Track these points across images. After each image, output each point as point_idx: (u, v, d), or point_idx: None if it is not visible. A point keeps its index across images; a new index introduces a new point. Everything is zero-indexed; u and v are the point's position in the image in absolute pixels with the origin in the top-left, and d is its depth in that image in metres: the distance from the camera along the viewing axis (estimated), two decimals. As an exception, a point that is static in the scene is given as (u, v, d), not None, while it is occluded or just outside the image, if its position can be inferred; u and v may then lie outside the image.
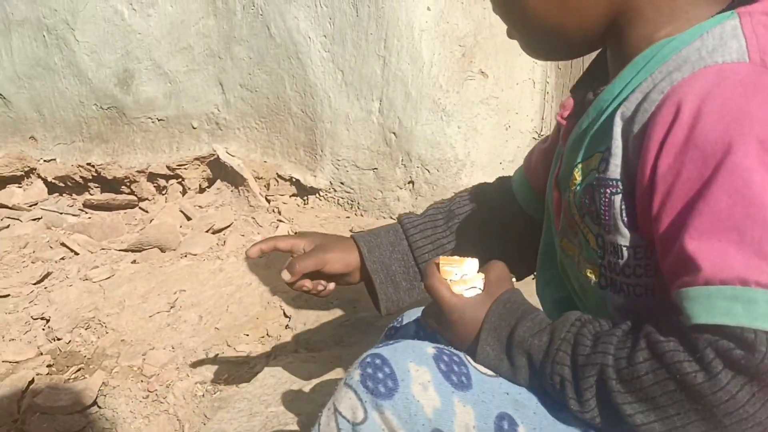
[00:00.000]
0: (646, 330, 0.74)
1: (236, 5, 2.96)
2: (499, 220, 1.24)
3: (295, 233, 1.76)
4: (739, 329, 0.67)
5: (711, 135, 0.70)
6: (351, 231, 2.75)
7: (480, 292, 0.89)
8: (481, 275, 0.90)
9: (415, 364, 0.82)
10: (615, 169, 0.80)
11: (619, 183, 0.80)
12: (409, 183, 2.79)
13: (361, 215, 2.89)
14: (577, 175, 0.87)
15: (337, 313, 2.19)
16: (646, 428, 0.72)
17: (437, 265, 0.91)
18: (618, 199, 0.80)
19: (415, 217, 1.28)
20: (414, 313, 1.18)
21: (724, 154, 0.69)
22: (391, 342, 0.86)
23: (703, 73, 0.74)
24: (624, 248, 0.81)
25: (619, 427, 0.74)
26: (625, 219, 0.80)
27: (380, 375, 0.80)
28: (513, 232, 1.22)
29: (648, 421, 0.72)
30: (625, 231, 0.80)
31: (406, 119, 2.73)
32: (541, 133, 2.85)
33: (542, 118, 2.81)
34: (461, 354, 0.87)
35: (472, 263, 0.90)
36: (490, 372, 0.86)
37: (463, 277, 0.89)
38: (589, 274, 0.87)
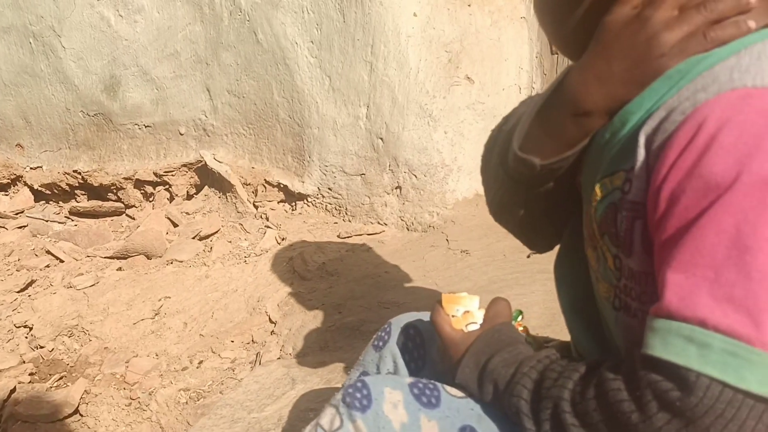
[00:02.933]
0: (603, 367, 0.74)
1: (223, 11, 2.95)
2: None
3: None
4: (684, 370, 0.65)
5: (718, 167, 0.66)
6: (338, 236, 2.74)
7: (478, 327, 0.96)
8: (482, 311, 0.97)
9: (390, 388, 0.89)
10: (638, 192, 0.76)
11: (642, 207, 0.76)
12: (396, 188, 2.78)
13: (349, 221, 2.88)
14: (599, 191, 0.83)
15: (323, 318, 2.17)
16: None
17: (440, 303, 0.99)
18: (640, 224, 0.76)
19: None
20: (401, 321, 1.17)
21: (724, 189, 0.65)
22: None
23: (727, 96, 0.69)
24: (641, 274, 0.78)
25: None
26: (646, 245, 0.76)
27: (358, 395, 0.88)
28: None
29: None
30: (644, 257, 0.77)
31: (393, 124, 2.72)
32: (529, 138, 2.84)
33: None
34: (437, 383, 0.91)
35: (473, 300, 0.98)
36: (460, 394, 0.90)
37: (464, 314, 0.97)
38: (604, 292, 0.85)
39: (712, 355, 0.64)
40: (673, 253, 0.68)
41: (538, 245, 1.10)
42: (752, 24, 0.74)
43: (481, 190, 2.90)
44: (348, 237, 2.73)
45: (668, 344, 0.66)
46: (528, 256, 1.19)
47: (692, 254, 0.66)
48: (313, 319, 2.17)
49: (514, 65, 2.78)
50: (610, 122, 0.84)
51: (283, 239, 2.74)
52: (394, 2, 2.65)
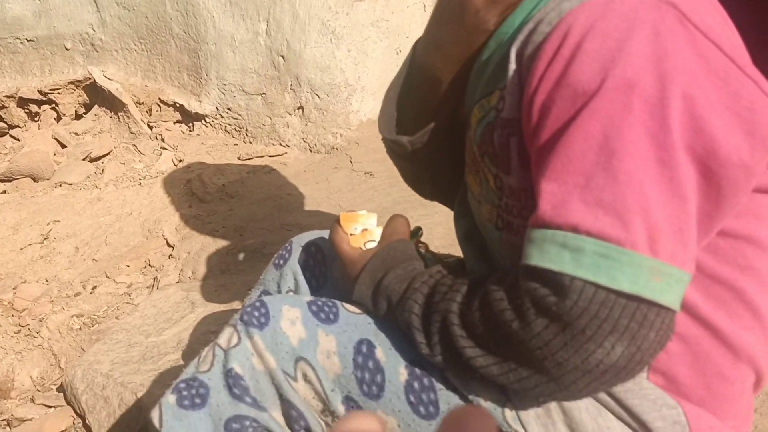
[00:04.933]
0: (489, 280, 0.74)
1: None
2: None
3: None
4: (558, 275, 0.65)
5: (584, 75, 0.66)
6: (239, 158, 2.66)
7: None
8: (380, 229, 0.96)
9: (288, 306, 0.89)
10: (512, 108, 0.76)
11: (516, 123, 0.76)
12: (298, 108, 2.71)
13: (250, 142, 2.79)
14: (477, 112, 0.84)
15: (223, 242, 2.12)
16: (485, 371, 0.72)
17: (339, 222, 0.98)
18: (515, 140, 0.77)
19: None
20: (303, 240, 1.14)
21: (590, 96, 0.65)
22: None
23: (590, 4, 0.69)
24: (520, 190, 0.78)
25: (465, 371, 0.75)
26: (523, 160, 0.76)
27: (256, 313, 0.88)
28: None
29: (486, 364, 0.72)
30: (522, 173, 0.77)
31: (295, 41, 2.63)
32: (433, 59, 2.81)
33: None
34: (336, 301, 0.91)
35: (371, 218, 0.98)
36: (359, 311, 0.90)
37: (362, 232, 0.96)
38: (488, 214, 0.86)
39: (585, 259, 0.64)
40: (546, 162, 0.68)
41: (447, 199, 1.12)
42: None
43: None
44: (249, 159, 2.65)
45: (544, 252, 0.67)
46: None
47: (563, 162, 0.67)
48: (213, 242, 2.11)
49: (419, -18, 2.72)
50: (487, 45, 0.84)
51: (180, 161, 2.64)
52: None
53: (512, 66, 0.76)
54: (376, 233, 0.96)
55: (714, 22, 0.69)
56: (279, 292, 1.12)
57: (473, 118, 0.86)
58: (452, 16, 0.86)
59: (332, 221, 1.00)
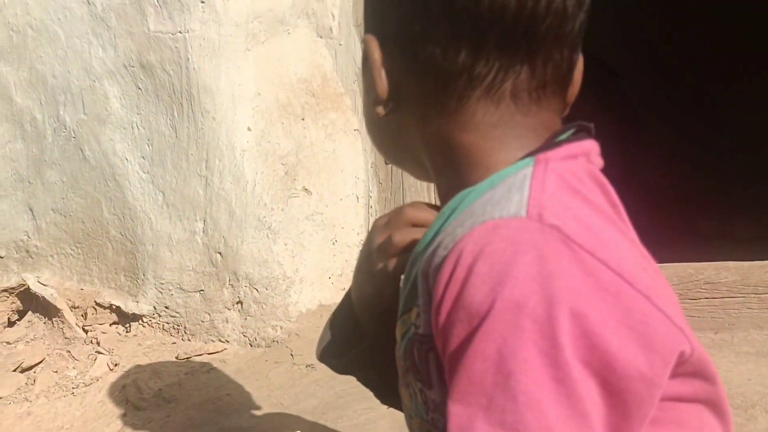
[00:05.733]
0: None
1: (46, 128, 2.83)
2: None
3: None
4: None
5: (477, 297, 0.67)
6: (177, 358, 2.61)
7: None
8: None
9: None
10: (426, 325, 0.77)
11: (432, 339, 0.76)
12: (237, 303, 2.71)
13: (189, 340, 2.75)
14: (401, 327, 0.85)
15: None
16: None
17: None
18: (432, 355, 0.77)
19: None
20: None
21: (482, 317, 0.67)
22: None
23: (479, 229, 0.71)
24: (443, 405, 0.76)
25: None
26: (440, 375, 0.77)
27: None
28: None
29: None
30: (442, 387, 0.77)
31: (232, 238, 2.67)
32: (368, 246, 2.88)
33: (368, 231, 2.85)
34: None
35: None
36: None
37: None
38: (418, 428, 0.85)
39: None
40: (452, 383, 0.69)
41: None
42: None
43: (324, 301, 2.87)
44: (187, 357, 2.60)
45: None
46: None
47: (466, 384, 0.67)
48: (152, 452, 2.02)
49: (351, 176, 2.84)
50: (410, 261, 0.87)
51: (115, 365, 2.57)
52: (227, 117, 2.66)
53: (421, 285, 0.78)
54: None
55: (599, 230, 0.72)
56: None
57: (398, 333, 0.87)
58: (361, 265, 0.98)
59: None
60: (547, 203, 0.70)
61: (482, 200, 0.74)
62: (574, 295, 0.66)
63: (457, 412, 0.67)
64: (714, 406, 0.79)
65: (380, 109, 0.85)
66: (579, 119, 0.82)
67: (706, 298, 2.43)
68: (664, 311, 0.70)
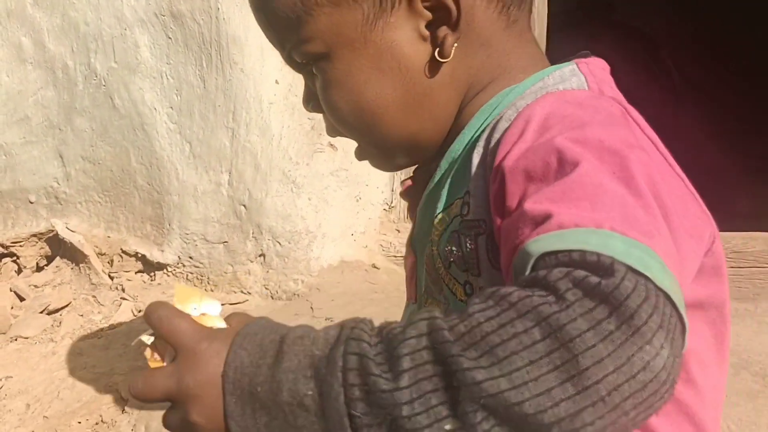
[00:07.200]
0: (471, 300, 0.59)
1: (77, 76, 2.85)
2: None
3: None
4: (596, 254, 0.55)
5: (557, 140, 0.67)
6: (199, 307, 2.64)
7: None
8: (222, 323, 0.70)
9: None
10: (477, 209, 0.76)
11: (483, 223, 0.75)
12: (260, 256, 2.73)
13: (212, 290, 2.79)
14: (439, 225, 0.83)
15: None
16: (489, 384, 0.52)
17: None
18: (483, 239, 0.75)
19: None
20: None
21: (564, 153, 0.66)
22: None
23: (546, 97, 0.76)
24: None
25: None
26: (492, 259, 0.74)
27: None
28: None
29: (498, 386, 0.52)
30: (492, 272, 0.74)
31: (256, 191, 2.69)
32: (392, 205, 2.88)
33: (392, 190, 2.84)
34: None
35: (214, 303, 0.72)
36: None
37: (201, 316, 0.70)
38: None
39: (616, 244, 0.56)
40: (529, 196, 0.64)
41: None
42: None
43: (346, 257, 2.88)
44: (209, 307, 2.63)
45: (565, 239, 0.57)
46: None
47: (563, 190, 0.62)
48: (168, 394, 2.06)
49: (377, 133, 2.83)
50: (438, 168, 0.86)
51: (139, 311, 2.61)
52: (255, 69, 2.65)
53: (474, 170, 0.78)
54: (219, 323, 0.69)
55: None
56: None
57: (434, 234, 0.84)
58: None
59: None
60: (601, 84, 0.81)
61: (533, 89, 0.81)
62: (638, 147, 0.70)
63: (556, 208, 0.61)
64: (716, 307, 0.80)
65: (449, 43, 0.82)
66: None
67: (732, 267, 2.40)
68: (696, 195, 0.77)
